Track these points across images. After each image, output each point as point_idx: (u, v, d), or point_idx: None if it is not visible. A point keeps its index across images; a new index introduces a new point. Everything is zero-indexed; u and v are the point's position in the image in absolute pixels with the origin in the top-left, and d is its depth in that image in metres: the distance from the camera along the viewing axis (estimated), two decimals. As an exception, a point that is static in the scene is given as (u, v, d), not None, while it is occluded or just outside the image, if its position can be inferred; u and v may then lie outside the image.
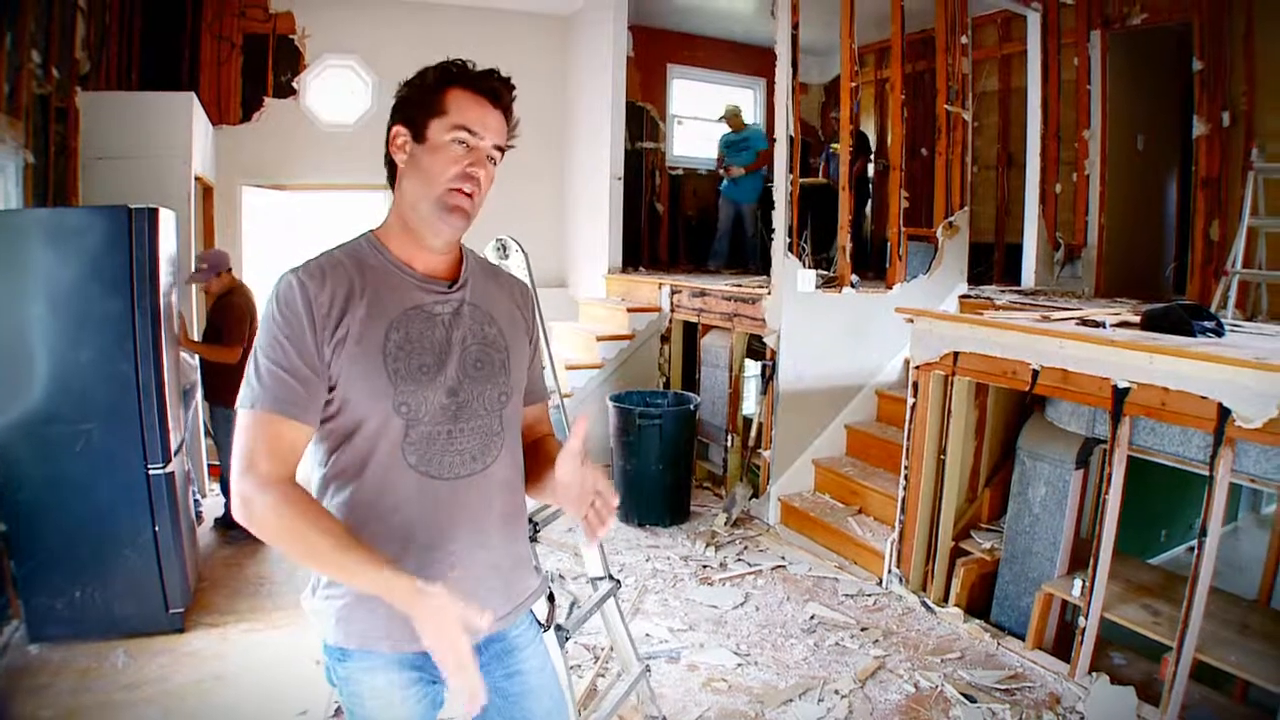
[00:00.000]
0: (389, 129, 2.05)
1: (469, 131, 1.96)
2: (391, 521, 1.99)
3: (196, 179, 7.43)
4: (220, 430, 6.69)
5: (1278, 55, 7.88)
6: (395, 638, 1.97)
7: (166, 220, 5.33)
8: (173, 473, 5.18)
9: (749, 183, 10.68)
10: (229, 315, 6.44)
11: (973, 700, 4.67)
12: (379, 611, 1.88)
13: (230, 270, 6.68)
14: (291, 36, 9.63)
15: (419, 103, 2.00)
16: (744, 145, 10.60)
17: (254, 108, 9.55)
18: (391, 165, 2.06)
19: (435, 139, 1.97)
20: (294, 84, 9.69)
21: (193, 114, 7.34)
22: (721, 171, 10.94)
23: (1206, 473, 4.40)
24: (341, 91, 9.93)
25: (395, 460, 1.98)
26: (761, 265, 9.39)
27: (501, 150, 2.04)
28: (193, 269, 6.66)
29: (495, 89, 2.01)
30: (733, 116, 10.71)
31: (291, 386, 1.86)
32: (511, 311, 2.25)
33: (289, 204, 9.96)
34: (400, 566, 1.78)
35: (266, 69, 9.58)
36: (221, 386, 6.33)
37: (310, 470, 2.02)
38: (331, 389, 1.92)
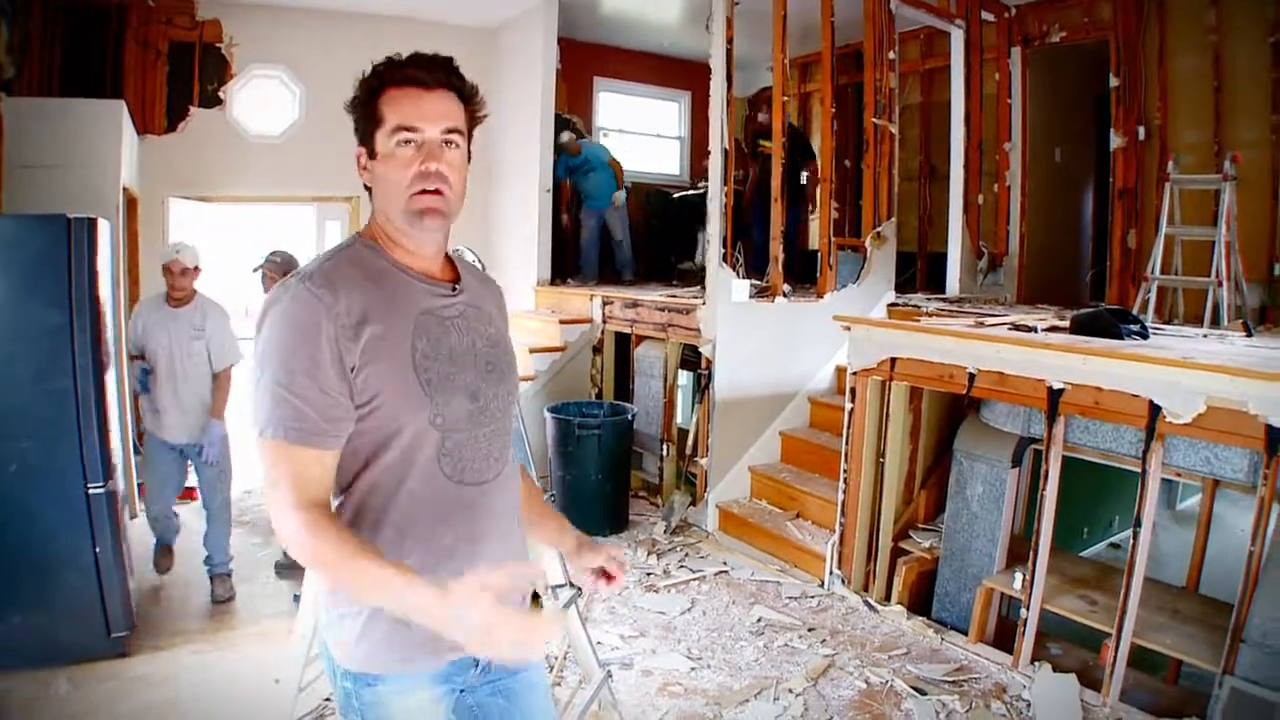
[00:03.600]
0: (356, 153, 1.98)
1: (408, 129, 1.86)
2: (432, 534, 1.94)
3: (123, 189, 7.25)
4: None
5: (1191, 72, 8.20)
6: (439, 651, 1.92)
7: (104, 231, 5.11)
8: (114, 491, 4.97)
9: (604, 188, 10.56)
10: None
11: (923, 693, 4.79)
12: (416, 628, 1.75)
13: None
14: (218, 45, 9.45)
15: (361, 117, 1.93)
16: (589, 166, 10.43)
17: (180, 117, 9.34)
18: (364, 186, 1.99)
19: (383, 149, 1.89)
20: (221, 94, 9.53)
21: (122, 122, 7.19)
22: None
23: (1139, 467, 4.62)
24: (269, 102, 9.81)
25: (433, 471, 1.92)
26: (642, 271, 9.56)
27: (460, 131, 1.94)
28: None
29: (419, 76, 1.90)
30: (568, 145, 10.36)
31: (310, 415, 1.76)
32: (499, 311, 2.21)
33: (216, 216, 9.83)
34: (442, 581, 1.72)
35: (193, 78, 9.39)
36: None
37: (342, 477, 1.91)
38: (359, 405, 1.83)
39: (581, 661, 4.27)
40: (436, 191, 1.89)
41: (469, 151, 2.00)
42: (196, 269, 5.79)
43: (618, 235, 10.85)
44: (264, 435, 1.77)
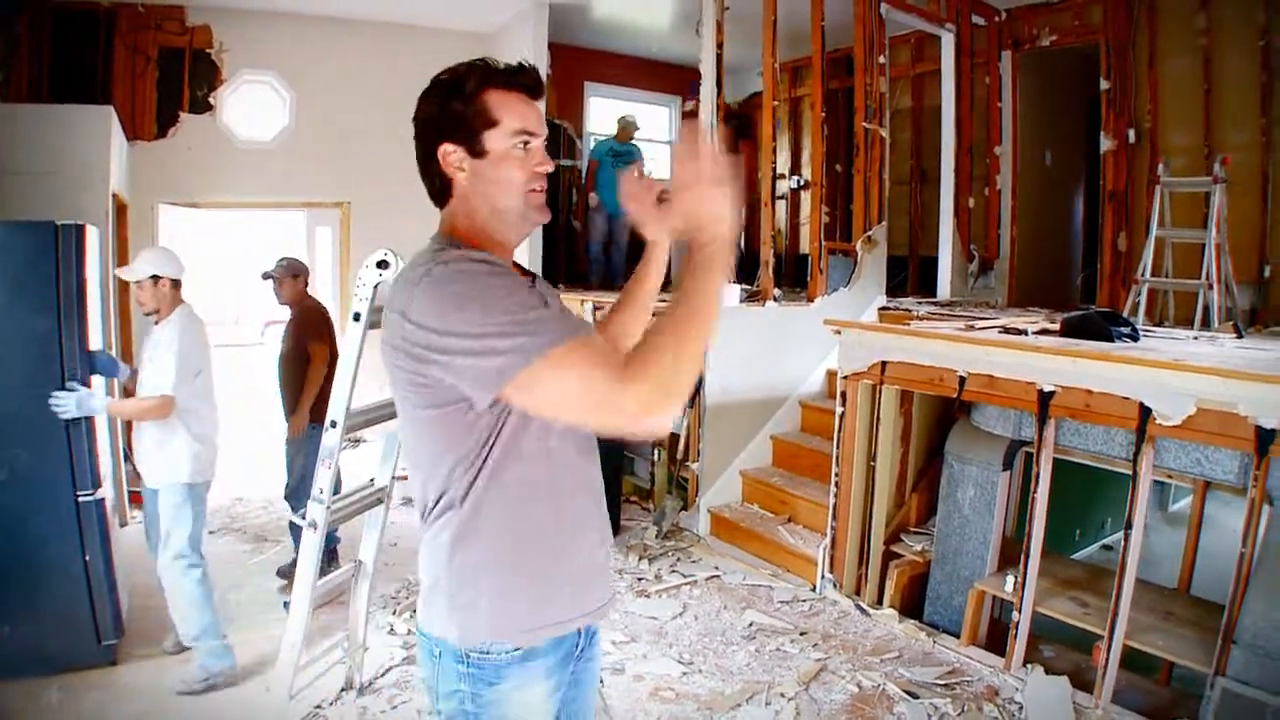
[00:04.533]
0: (430, 147, 1.99)
1: (529, 133, 1.98)
2: (569, 505, 2.05)
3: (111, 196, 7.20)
4: (308, 450, 5.87)
5: (1181, 75, 8.25)
6: (582, 605, 2.09)
7: (93, 237, 5.10)
8: (103, 499, 4.93)
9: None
10: (310, 320, 6.14)
11: (915, 697, 4.79)
12: (562, 588, 2.02)
13: (306, 280, 6.29)
14: (209, 51, 9.43)
15: (464, 117, 1.96)
16: (630, 158, 10.25)
17: (170, 123, 9.32)
18: (438, 182, 2.03)
19: (498, 149, 1.96)
20: (211, 99, 9.49)
21: (111, 128, 7.14)
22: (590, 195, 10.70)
23: (1130, 469, 4.63)
24: (260, 108, 9.78)
25: (568, 444, 2.01)
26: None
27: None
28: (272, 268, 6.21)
29: (533, 85, 2.02)
30: (626, 127, 10.47)
31: (556, 316, 1.81)
32: None
33: (207, 223, 9.79)
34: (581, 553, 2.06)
35: (183, 83, 9.36)
36: (320, 400, 5.82)
37: (469, 453, 1.91)
38: None
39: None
40: (543, 190, 2.03)
41: None
42: (156, 281, 4.92)
43: (621, 241, 10.73)
44: (529, 362, 1.72)
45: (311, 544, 4.03)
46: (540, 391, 1.74)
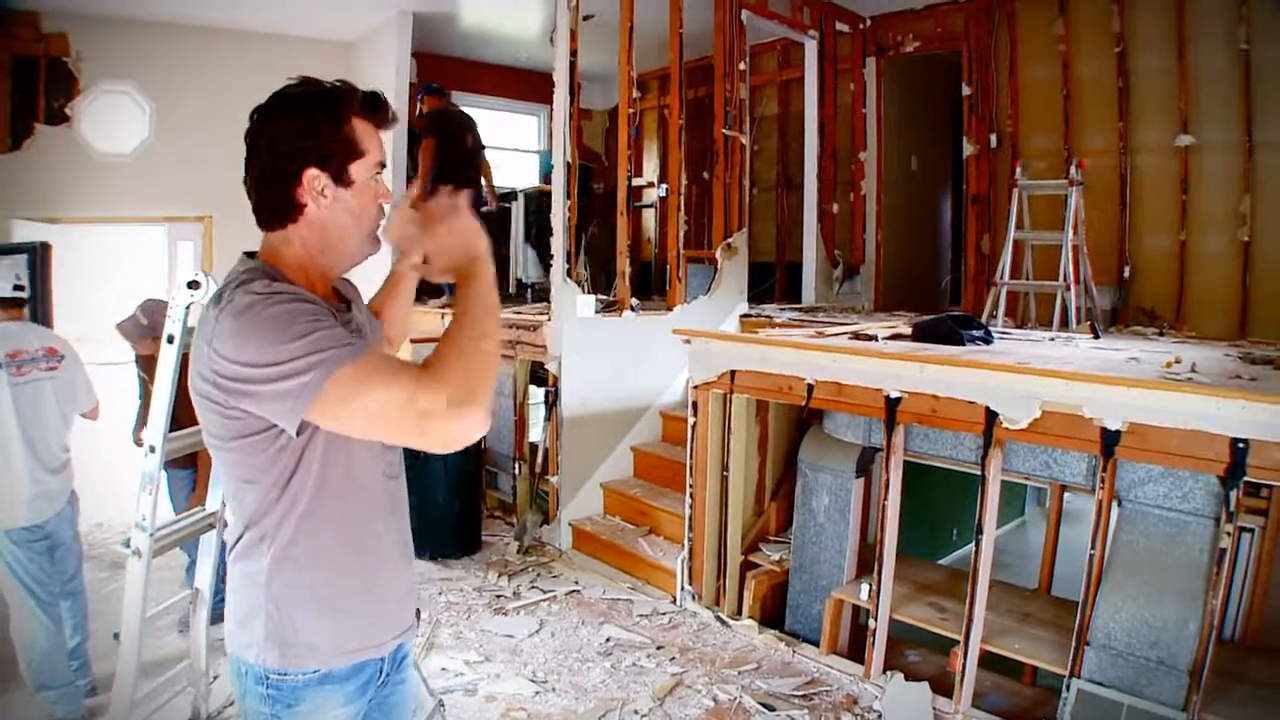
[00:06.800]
0: (293, 167, 1.90)
1: (382, 165, 2.00)
2: (377, 528, 2.08)
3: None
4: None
5: (1040, 81, 8.46)
6: (387, 629, 2.12)
7: None
8: None
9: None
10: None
11: (771, 709, 4.72)
12: (359, 614, 2.03)
13: None
14: (65, 60, 9.04)
15: (334, 144, 1.91)
16: None
17: (24, 135, 8.93)
18: (286, 205, 1.94)
19: (360, 179, 1.95)
20: (68, 110, 9.11)
21: None
22: None
23: (979, 473, 4.60)
24: (119, 119, 9.40)
25: (375, 468, 2.06)
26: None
27: None
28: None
29: (391, 119, 2.02)
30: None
31: (347, 337, 1.77)
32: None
33: (64, 237, 9.41)
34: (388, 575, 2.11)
35: (37, 93, 8.97)
36: None
37: (277, 481, 1.90)
38: None
39: (412, 692, 4.11)
40: (380, 221, 2.05)
41: None
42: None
43: None
44: (330, 377, 1.68)
45: (137, 571, 3.82)
46: (347, 411, 1.71)
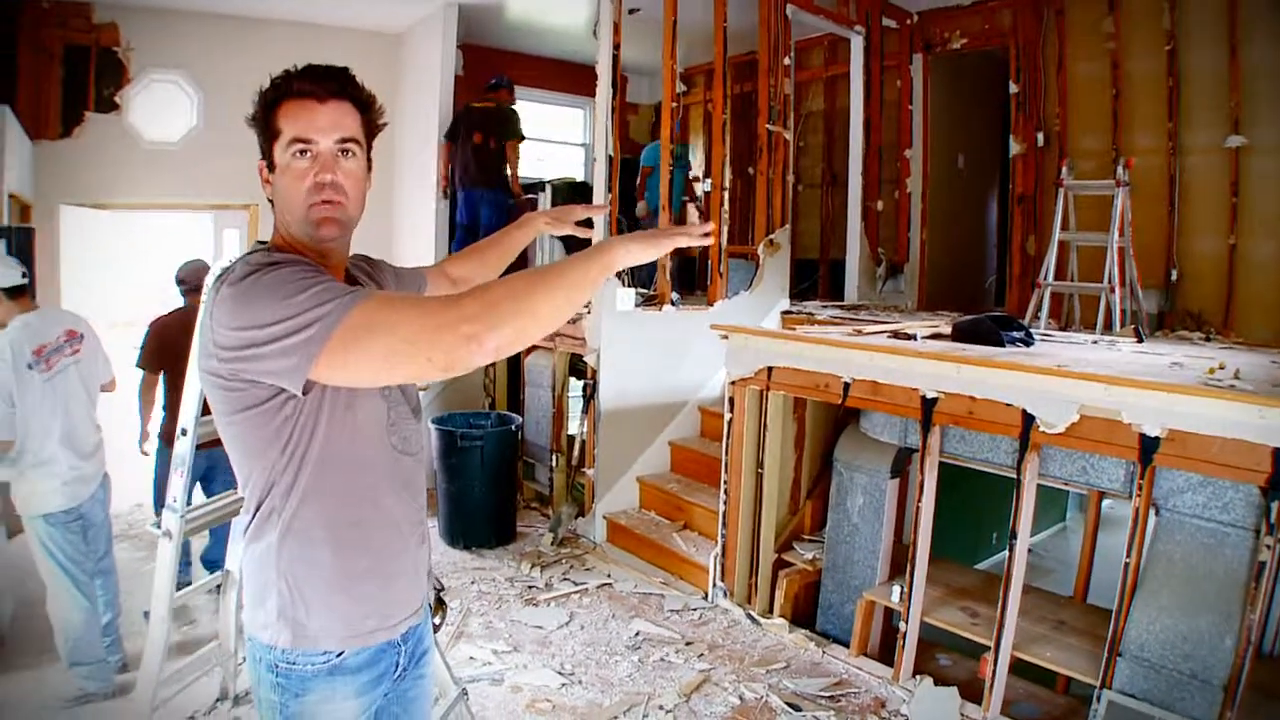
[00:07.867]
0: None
1: (302, 141, 1.87)
2: (391, 505, 2.06)
3: (11, 197, 6.95)
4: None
5: (1088, 78, 8.30)
6: (398, 610, 2.10)
7: None
8: None
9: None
10: None
11: (797, 709, 4.69)
12: (375, 595, 2.04)
13: None
14: (115, 49, 9.10)
15: (260, 131, 1.93)
16: (683, 161, 9.29)
17: (75, 122, 8.98)
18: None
19: (281, 161, 1.90)
20: (117, 99, 9.16)
21: (5, 127, 6.88)
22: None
23: (1015, 477, 4.55)
24: (167, 108, 9.47)
25: (387, 441, 2.04)
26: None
27: (356, 141, 1.94)
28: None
29: (312, 88, 1.90)
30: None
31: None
32: None
33: (111, 224, 9.50)
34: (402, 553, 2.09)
35: (88, 82, 9.03)
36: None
37: (287, 450, 1.90)
38: None
39: (436, 678, 4.12)
40: (332, 202, 1.91)
41: (369, 160, 2.02)
42: None
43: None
44: (341, 321, 1.64)
45: (167, 552, 3.88)
46: (359, 347, 1.65)
